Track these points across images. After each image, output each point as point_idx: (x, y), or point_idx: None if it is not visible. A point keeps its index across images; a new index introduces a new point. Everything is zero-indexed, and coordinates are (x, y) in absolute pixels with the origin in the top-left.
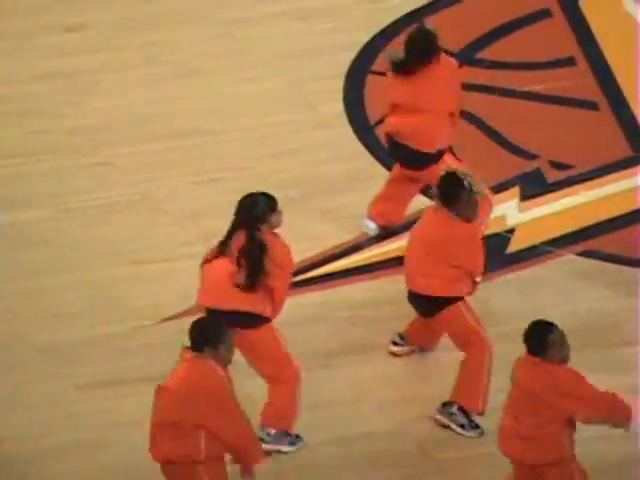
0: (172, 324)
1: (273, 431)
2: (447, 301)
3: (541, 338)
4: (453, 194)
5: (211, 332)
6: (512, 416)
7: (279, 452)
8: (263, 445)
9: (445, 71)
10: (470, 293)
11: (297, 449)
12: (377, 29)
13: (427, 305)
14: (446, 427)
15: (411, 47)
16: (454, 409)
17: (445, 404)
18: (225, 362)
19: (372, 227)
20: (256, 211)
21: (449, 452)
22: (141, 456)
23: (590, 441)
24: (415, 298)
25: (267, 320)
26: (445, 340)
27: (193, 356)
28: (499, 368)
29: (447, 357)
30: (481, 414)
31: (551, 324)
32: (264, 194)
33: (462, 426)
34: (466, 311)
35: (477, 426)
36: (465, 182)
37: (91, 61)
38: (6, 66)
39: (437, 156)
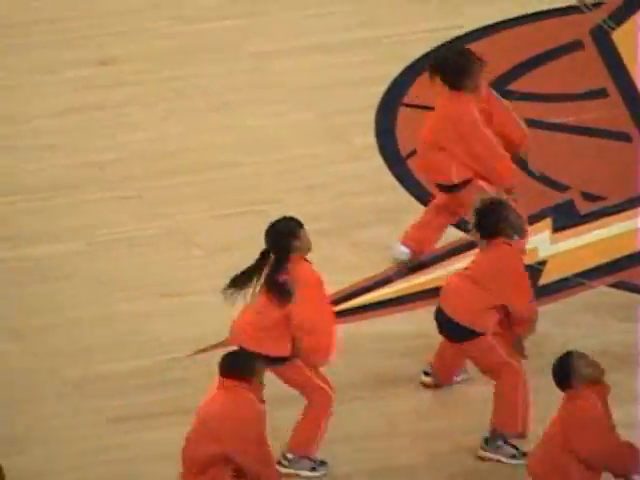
0: (203, 357)
1: (291, 455)
2: (472, 332)
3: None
4: (494, 228)
5: (244, 364)
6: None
7: (298, 477)
8: (282, 469)
9: None
10: (495, 333)
11: (320, 475)
12: (407, 62)
13: (455, 330)
14: (497, 462)
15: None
16: (500, 442)
17: (487, 440)
18: (258, 394)
19: (405, 251)
20: (282, 241)
21: None
22: None
23: None
24: (446, 320)
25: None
26: (474, 373)
27: (230, 384)
28: (532, 400)
29: (478, 389)
30: (522, 436)
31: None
32: (286, 218)
33: (513, 456)
34: (496, 344)
35: (525, 453)
36: (502, 212)
37: (122, 94)
38: (38, 99)
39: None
